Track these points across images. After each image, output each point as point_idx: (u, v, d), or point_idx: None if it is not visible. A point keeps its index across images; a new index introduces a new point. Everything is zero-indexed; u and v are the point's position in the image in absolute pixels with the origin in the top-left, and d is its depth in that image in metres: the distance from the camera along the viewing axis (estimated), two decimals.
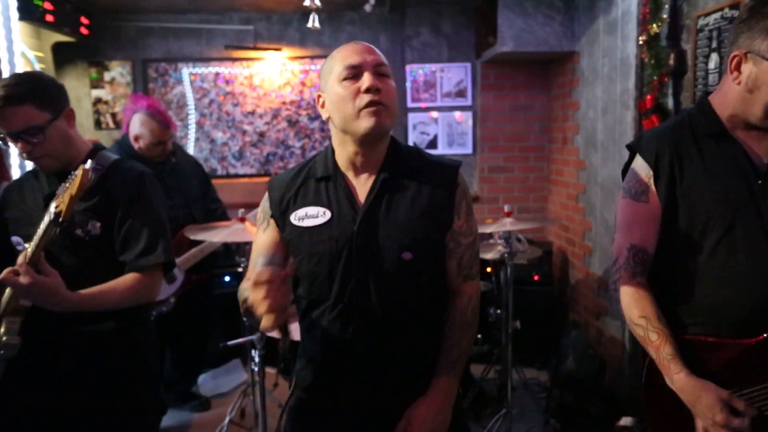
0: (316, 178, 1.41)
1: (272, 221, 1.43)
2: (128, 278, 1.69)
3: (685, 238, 1.41)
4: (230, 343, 2.59)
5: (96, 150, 1.80)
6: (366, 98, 1.30)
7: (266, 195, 1.46)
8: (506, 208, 3.02)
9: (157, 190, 1.82)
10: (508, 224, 2.92)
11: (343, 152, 1.39)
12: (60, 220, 1.39)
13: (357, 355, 1.36)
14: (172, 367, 3.36)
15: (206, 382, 3.79)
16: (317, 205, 1.37)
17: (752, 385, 1.36)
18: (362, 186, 1.39)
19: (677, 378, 1.35)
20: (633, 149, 1.51)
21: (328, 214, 1.36)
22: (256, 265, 1.26)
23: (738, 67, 1.34)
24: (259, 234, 1.46)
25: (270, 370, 3.64)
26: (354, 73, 1.31)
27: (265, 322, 1.13)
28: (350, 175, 1.40)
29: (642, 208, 1.45)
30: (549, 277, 4.02)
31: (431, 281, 1.41)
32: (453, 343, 1.40)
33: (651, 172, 1.44)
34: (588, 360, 3.40)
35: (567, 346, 3.56)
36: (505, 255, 3.00)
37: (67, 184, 1.39)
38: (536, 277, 3.95)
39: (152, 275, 1.74)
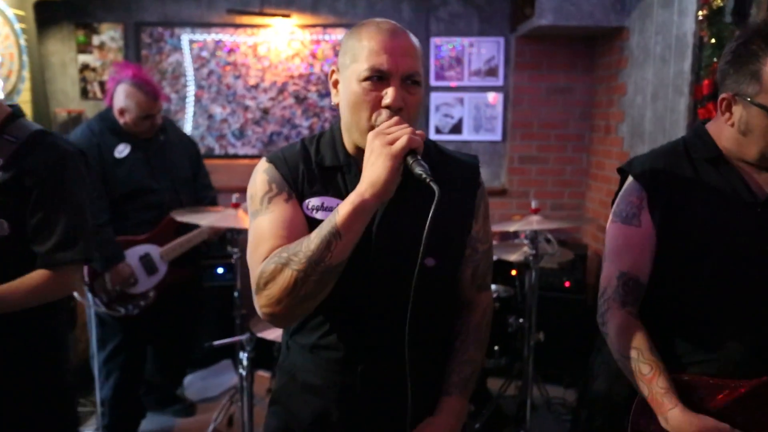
0: (325, 166, 1.34)
1: (294, 194, 1.32)
2: (37, 276, 1.65)
3: (680, 266, 1.45)
4: (216, 343, 2.54)
5: (12, 117, 1.70)
6: (384, 115, 1.23)
7: (269, 168, 1.34)
8: (533, 204, 2.94)
9: (81, 176, 1.75)
10: (534, 222, 2.84)
11: (354, 143, 1.33)
12: None
13: (360, 373, 1.35)
14: (154, 368, 3.34)
15: (193, 384, 3.78)
16: (336, 197, 1.31)
17: (759, 430, 1.36)
18: None
19: (672, 415, 1.34)
20: (625, 172, 1.54)
21: None
22: (270, 243, 1.24)
23: (729, 109, 1.40)
24: (269, 212, 1.29)
25: (263, 374, 3.62)
26: (379, 76, 1.23)
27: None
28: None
29: (634, 232, 1.47)
30: (582, 284, 3.94)
31: (449, 291, 1.43)
32: (466, 359, 1.41)
33: (645, 194, 1.46)
34: (622, 381, 3.31)
35: (599, 364, 3.45)
36: (530, 257, 2.91)
37: None
38: (567, 284, 3.88)
39: (67, 273, 1.69)
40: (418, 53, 1.28)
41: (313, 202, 1.32)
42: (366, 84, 1.23)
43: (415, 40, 1.29)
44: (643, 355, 1.39)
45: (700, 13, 2.80)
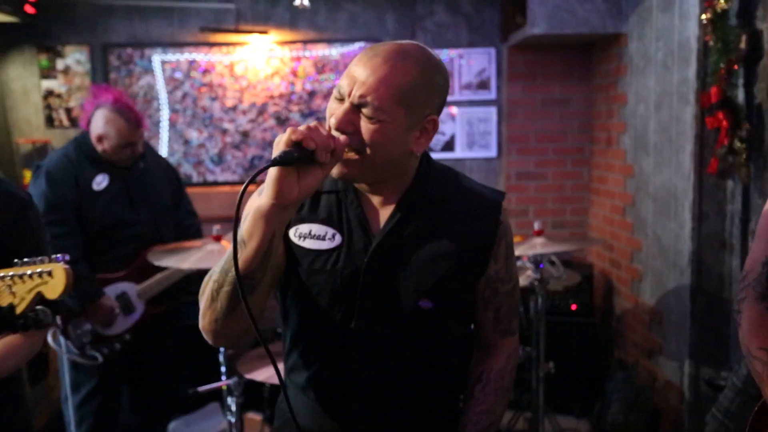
0: (321, 191, 1.32)
1: None
2: (10, 339, 1.61)
3: None
4: (201, 389, 2.47)
5: None
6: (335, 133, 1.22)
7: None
8: (536, 226, 2.90)
9: (41, 223, 1.75)
10: (538, 246, 2.79)
11: None
12: None
13: (353, 416, 1.33)
14: (131, 412, 3.24)
15: (178, 431, 3.67)
16: (326, 225, 1.30)
17: None
18: (379, 209, 1.32)
19: None
20: None
21: (339, 239, 1.29)
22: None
23: None
24: None
25: (254, 416, 3.53)
26: (339, 97, 1.24)
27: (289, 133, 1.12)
28: (364, 191, 1.33)
29: None
30: (589, 307, 3.93)
31: (453, 337, 1.38)
32: (485, 409, 1.38)
33: None
34: (638, 409, 3.31)
35: (612, 391, 3.46)
36: (536, 282, 2.87)
37: None
38: (574, 306, 3.87)
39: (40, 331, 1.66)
40: (397, 87, 1.20)
41: (300, 229, 1.31)
42: (334, 100, 1.25)
43: (412, 72, 1.22)
44: None
45: (704, 16, 2.79)
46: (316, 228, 1.30)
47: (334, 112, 1.22)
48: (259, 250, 1.16)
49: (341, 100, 1.22)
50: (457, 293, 1.33)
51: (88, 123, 2.88)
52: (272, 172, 1.10)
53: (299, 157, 1.10)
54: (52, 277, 1.31)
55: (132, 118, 2.86)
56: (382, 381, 1.30)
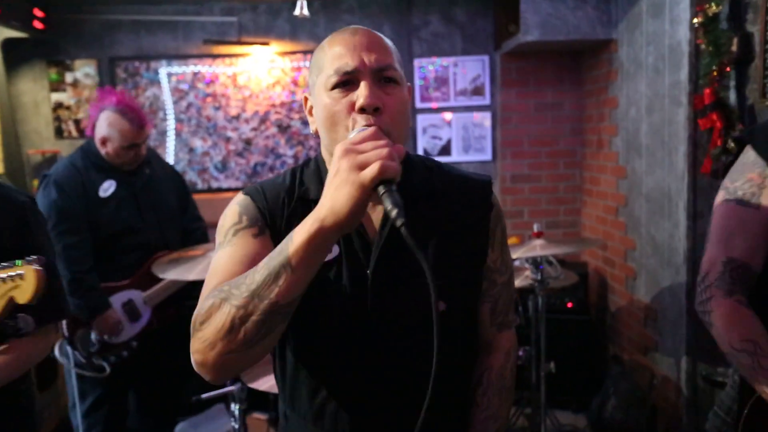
0: (309, 199, 1.17)
1: (267, 230, 1.16)
2: (13, 345, 1.53)
3: None
4: (204, 396, 2.36)
5: None
6: (361, 122, 1.06)
7: (243, 200, 1.19)
8: (536, 228, 2.80)
9: (42, 225, 1.65)
10: (538, 248, 2.69)
11: None
12: None
13: None
14: (138, 418, 3.13)
15: None
16: None
17: None
18: (371, 213, 1.17)
19: None
20: (744, 141, 1.36)
21: (336, 249, 1.15)
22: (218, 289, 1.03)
23: None
24: (231, 245, 1.13)
25: (259, 416, 3.43)
26: (347, 79, 1.08)
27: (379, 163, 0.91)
28: None
29: (750, 215, 1.31)
30: (585, 304, 3.83)
31: (465, 336, 1.25)
32: (490, 414, 1.24)
33: (767, 172, 1.29)
34: (636, 405, 3.20)
35: (609, 387, 3.36)
36: (536, 283, 2.77)
37: None
38: (570, 305, 3.76)
39: (44, 335, 1.58)
40: (389, 49, 1.13)
41: None
42: (335, 92, 1.08)
43: (386, 38, 1.15)
44: (761, 347, 1.23)
45: (696, 20, 2.71)
46: None
47: (346, 98, 1.07)
48: (309, 276, 0.97)
49: (346, 84, 1.07)
50: (467, 289, 1.21)
51: (93, 128, 2.76)
52: (351, 206, 0.90)
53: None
54: (23, 280, 1.19)
55: (135, 119, 2.73)
56: (401, 396, 1.14)
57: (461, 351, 1.24)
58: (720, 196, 1.37)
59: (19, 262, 1.20)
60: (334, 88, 1.08)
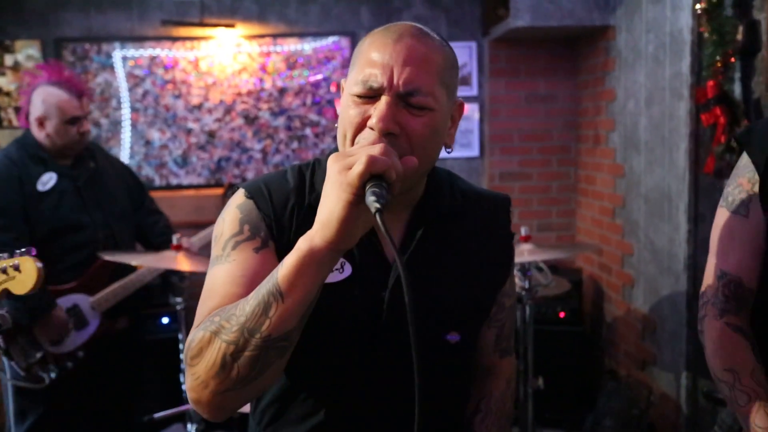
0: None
1: (271, 242, 1.13)
2: None
3: None
4: (157, 416, 2.33)
5: None
6: (368, 137, 1.04)
7: (245, 204, 1.16)
8: (523, 231, 2.79)
9: None
10: (525, 253, 2.68)
11: None
12: None
13: None
14: None
15: None
16: None
17: None
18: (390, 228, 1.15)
19: None
20: (739, 142, 1.38)
21: (349, 269, 1.14)
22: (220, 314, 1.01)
23: None
24: (229, 261, 1.11)
25: None
26: (369, 94, 1.05)
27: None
28: None
29: (739, 224, 1.33)
30: (579, 314, 3.86)
31: (471, 365, 1.30)
32: None
33: (756, 177, 1.31)
34: (632, 424, 3.22)
35: (604, 404, 3.38)
36: (523, 291, 2.76)
37: None
38: (562, 314, 3.79)
39: None
40: (431, 66, 1.06)
41: None
42: (355, 98, 1.07)
43: (442, 49, 1.10)
44: (741, 381, 1.24)
45: (698, 6, 2.73)
46: None
47: (362, 108, 1.05)
48: (303, 304, 0.95)
49: (371, 98, 1.04)
50: (481, 319, 1.26)
51: (26, 116, 2.73)
52: (340, 211, 0.89)
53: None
54: (19, 271, 1.21)
55: (72, 88, 2.72)
56: (399, 423, 1.14)
57: (467, 383, 1.29)
58: (719, 202, 1.40)
59: (9, 253, 1.24)
60: (356, 94, 1.07)
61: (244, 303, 0.97)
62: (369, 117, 1.04)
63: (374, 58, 1.05)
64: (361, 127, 1.05)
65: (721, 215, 1.38)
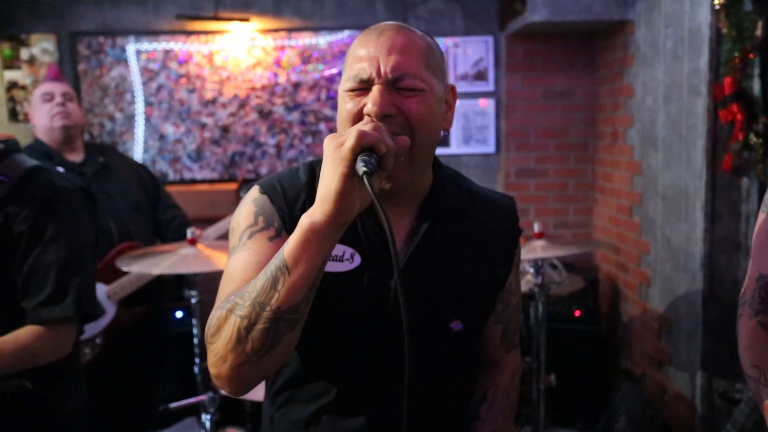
0: None
1: (284, 233, 1.21)
2: (23, 334, 1.59)
3: None
4: (173, 405, 2.40)
5: (4, 154, 1.66)
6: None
7: (260, 199, 1.25)
8: (536, 228, 2.82)
9: (77, 216, 1.72)
10: (538, 249, 2.72)
11: None
12: None
13: None
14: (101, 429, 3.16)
15: None
16: (342, 243, 1.20)
17: None
18: (396, 221, 1.24)
19: None
20: None
21: (358, 259, 1.22)
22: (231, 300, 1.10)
23: None
24: (246, 249, 1.20)
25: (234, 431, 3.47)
26: (362, 87, 1.15)
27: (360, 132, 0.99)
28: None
29: None
30: (594, 313, 3.87)
31: (475, 356, 1.39)
32: (495, 429, 1.37)
33: None
34: (647, 424, 3.26)
35: (618, 404, 3.42)
36: (536, 288, 2.80)
37: None
38: (577, 313, 3.80)
39: (58, 331, 1.63)
40: (416, 51, 1.16)
41: None
42: (348, 94, 1.16)
43: (422, 38, 1.19)
44: (767, 377, 1.32)
45: (717, 1, 2.75)
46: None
47: (357, 101, 1.14)
48: (309, 278, 1.03)
49: (362, 90, 1.14)
50: (484, 310, 1.34)
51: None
52: (336, 184, 0.98)
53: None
54: None
55: (48, 73, 3.08)
56: (401, 410, 1.21)
57: (469, 373, 1.37)
58: (761, 207, 1.46)
59: None
60: (349, 90, 1.16)
61: (255, 280, 1.06)
62: (364, 106, 1.13)
63: (361, 53, 1.15)
64: (358, 117, 1.14)
65: (761, 221, 1.44)
